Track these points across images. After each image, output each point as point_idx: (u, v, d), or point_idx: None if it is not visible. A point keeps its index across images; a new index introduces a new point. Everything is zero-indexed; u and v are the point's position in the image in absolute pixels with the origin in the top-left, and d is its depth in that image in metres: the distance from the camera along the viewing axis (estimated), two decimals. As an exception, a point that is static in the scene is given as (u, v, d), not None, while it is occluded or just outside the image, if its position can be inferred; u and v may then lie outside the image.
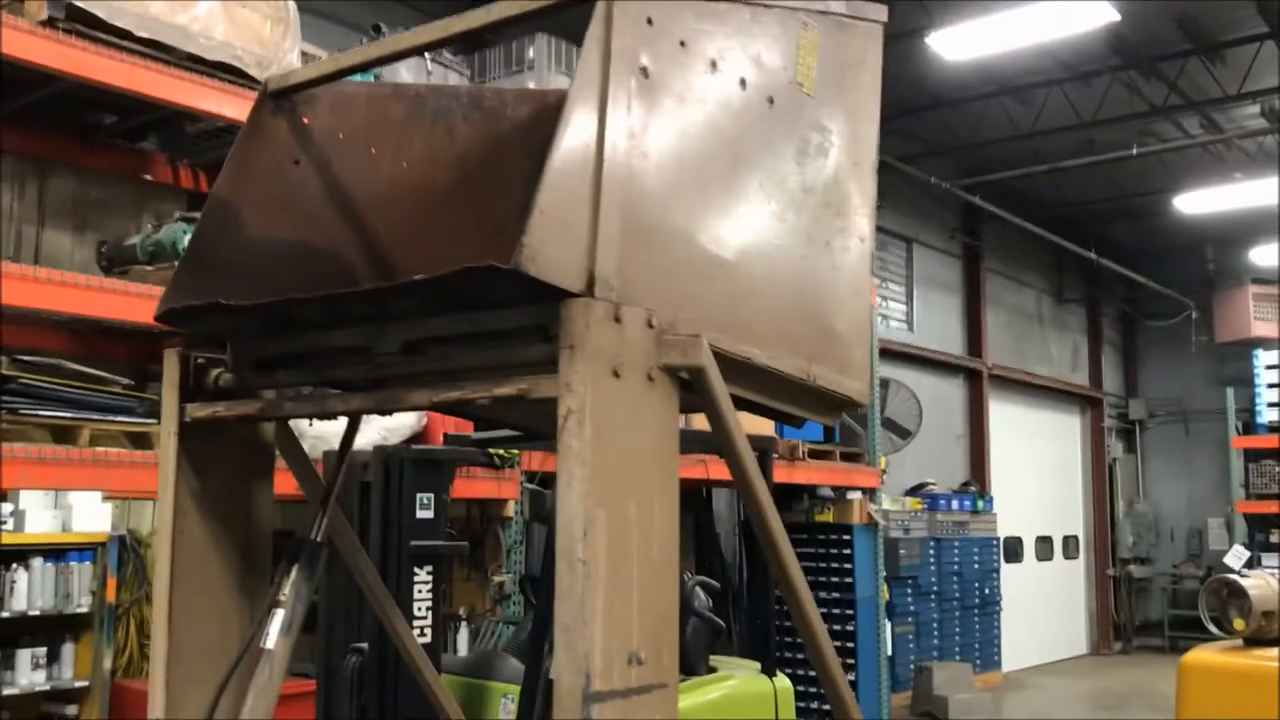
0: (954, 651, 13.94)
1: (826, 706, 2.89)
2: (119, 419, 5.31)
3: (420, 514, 4.99)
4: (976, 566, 14.62)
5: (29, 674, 5.89)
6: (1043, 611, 18.03)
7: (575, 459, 2.10)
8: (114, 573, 6.05)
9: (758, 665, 5.57)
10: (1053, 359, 19.73)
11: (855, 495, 10.63)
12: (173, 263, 5.48)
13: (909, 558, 13.18)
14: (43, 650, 5.95)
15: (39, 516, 5.87)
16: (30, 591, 5.86)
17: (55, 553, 5.94)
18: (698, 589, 5.37)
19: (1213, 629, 5.62)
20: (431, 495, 5.04)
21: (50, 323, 5.66)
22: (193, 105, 5.51)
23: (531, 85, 7.64)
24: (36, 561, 5.88)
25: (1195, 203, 16.41)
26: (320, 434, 5.64)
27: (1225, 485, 16.58)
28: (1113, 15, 10.61)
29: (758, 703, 5.23)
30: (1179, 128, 14.96)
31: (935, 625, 13.72)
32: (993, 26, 10.74)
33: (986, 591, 14.78)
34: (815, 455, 10.03)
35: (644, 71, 2.37)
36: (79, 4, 4.98)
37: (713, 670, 5.33)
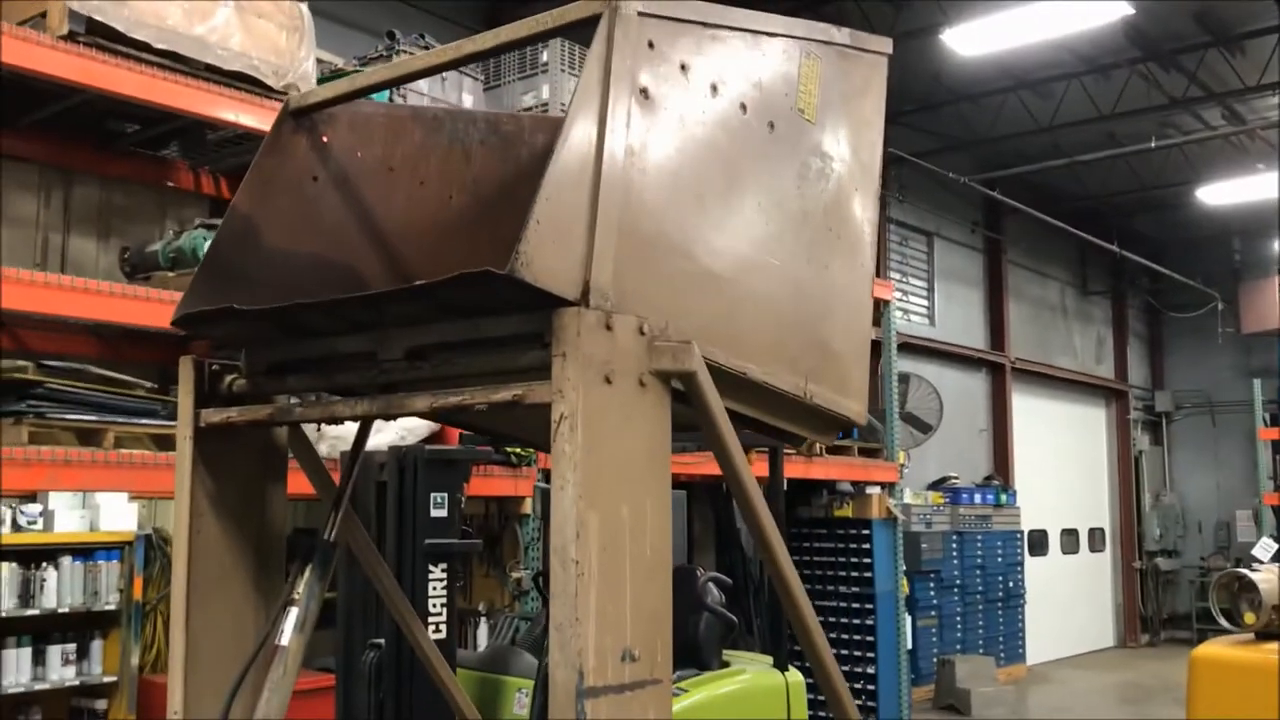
0: (977, 645, 13.94)
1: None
2: (143, 421, 5.43)
3: (435, 513, 5.08)
4: (1000, 560, 14.61)
5: (59, 669, 6.03)
6: (1068, 604, 17.98)
7: (568, 463, 2.18)
8: (141, 571, 6.17)
9: (771, 660, 5.64)
10: (1077, 352, 19.64)
11: (874, 490, 10.66)
12: (194, 269, 5.59)
13: (931, 551, 13.19)
14: (72, 647, 6.08)
15: (67, 516, 6.01)
16: (60, 589, 6.00)
17: (83, 551, 6.08)
18: (710, 584, 5.43)
19: (1224, 623, 5.64)
20: (445, 494, 5.13)
21: (76, 328, 5.80)
22: (211, 114, 5.62)
23: (545, 89, 7.71)
24: (65, 560, 6.02)
25: (1219, 194, 16.31)
26: (340, 434, 5.76)
27: (1253, 477, 16.46)
28: (1127, 9, 10.59)
29: (769, 697, 5.29)
30: (1200, 119, 14.87)
31: (958, 619, 13.72)
32: (1008, 22, 10.73)
33: (1010, 585, 14.76)
34: (833, 450, 10.07)
35: (644, 92, 2.45)
36: (98, 18, 5.09)
37: (725, 664, 5.40)
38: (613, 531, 2.22)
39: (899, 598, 10.71)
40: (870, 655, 10.41)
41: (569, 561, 2.16)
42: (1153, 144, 14.03)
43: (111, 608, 6.11)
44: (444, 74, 7.27)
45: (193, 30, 5.42)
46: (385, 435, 5.86)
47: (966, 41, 11.27)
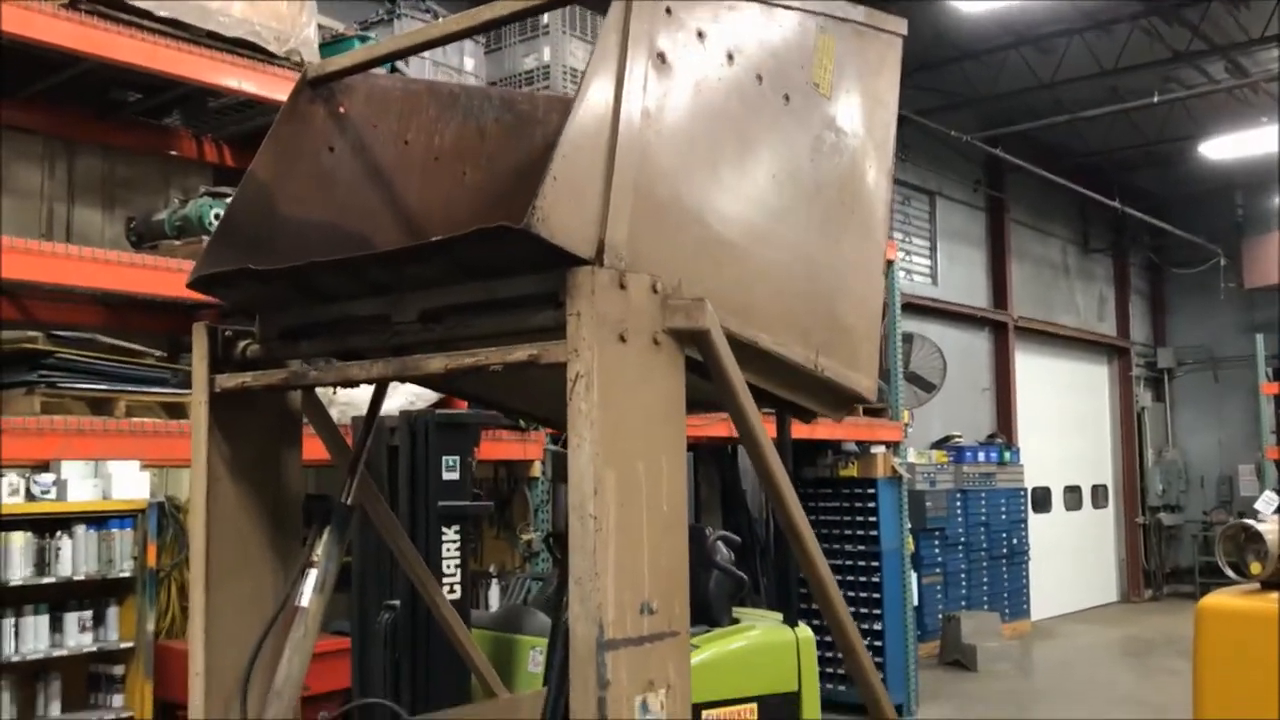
0: (982, 601, 14.05)
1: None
2: (153, 390, 5.46)
3: (446, 475, 5.12)
4: (1004, 517, 14.69)
5: (76, 636, 6.09)
6: (1072, 560, 18.09)
7: (584, 421, 2.20)
8: (154, 538, 6.21)
9: (780, 616, 5.69)
10: (1079, 309, 19.64)
11: (879, 449, 10.70)
12: (200, 237, 5.61)
13: (935, 509, 13.27)
14: (89, 614, 6.13)
15: (80, 485, 6.04)
16: (75, 557, 6.04)
17: (97, 520, 6.11)
18: (720, 543, 5.48)
19: (1230, 574, 5.67)
20: (457, 457, 5.18)
21: (84, 298, 5.81)
22: (213, 81, 5.61)
23: (546, 51, 7.67)
24: (80, 529, 6.06)
25: (1222, 148, 16.24)
26: (349, 399, 5.78)
27: (1256, 432, 16.51)
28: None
29: (779, 652, 5.35)
30: (1203, 73, 14.77)
31: (963, 576, 13.82)
32: (1010, -24, 10.65)
33: (1014, 542, 14.85)
34: (838, 411, 10.08)
35: (661, 56, 2.46)
36: (100, -15, 5.08)
37: (735, 622, 5.45)
38: (629, 488, 2.26)
39: (904, 555, 10.78)
40: (877, 613, 10.49)
41: (587, 517, 2.19)
42: (1155, 99, 13.95)
43: (126, 575, 6.16)
44: (445, 38, 7.23)
45: (194, -3, 5.40)
46: (395, 400, 5.89)
47: (968, -2, 11.20)
